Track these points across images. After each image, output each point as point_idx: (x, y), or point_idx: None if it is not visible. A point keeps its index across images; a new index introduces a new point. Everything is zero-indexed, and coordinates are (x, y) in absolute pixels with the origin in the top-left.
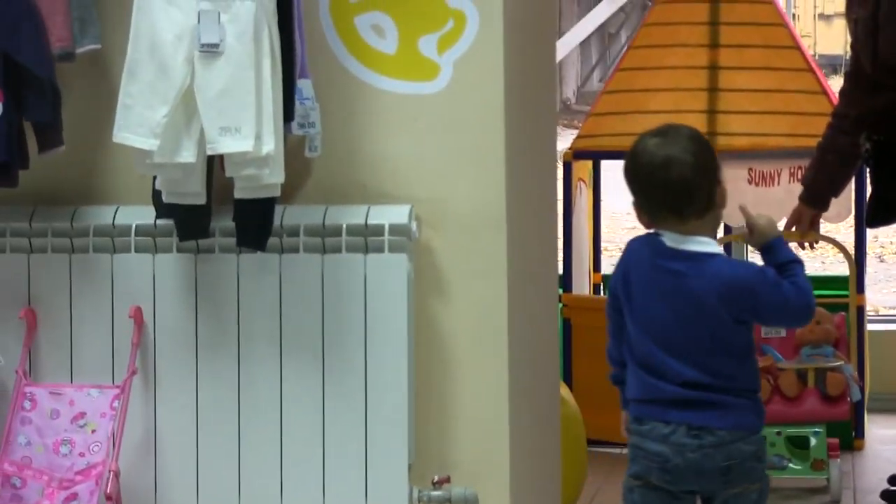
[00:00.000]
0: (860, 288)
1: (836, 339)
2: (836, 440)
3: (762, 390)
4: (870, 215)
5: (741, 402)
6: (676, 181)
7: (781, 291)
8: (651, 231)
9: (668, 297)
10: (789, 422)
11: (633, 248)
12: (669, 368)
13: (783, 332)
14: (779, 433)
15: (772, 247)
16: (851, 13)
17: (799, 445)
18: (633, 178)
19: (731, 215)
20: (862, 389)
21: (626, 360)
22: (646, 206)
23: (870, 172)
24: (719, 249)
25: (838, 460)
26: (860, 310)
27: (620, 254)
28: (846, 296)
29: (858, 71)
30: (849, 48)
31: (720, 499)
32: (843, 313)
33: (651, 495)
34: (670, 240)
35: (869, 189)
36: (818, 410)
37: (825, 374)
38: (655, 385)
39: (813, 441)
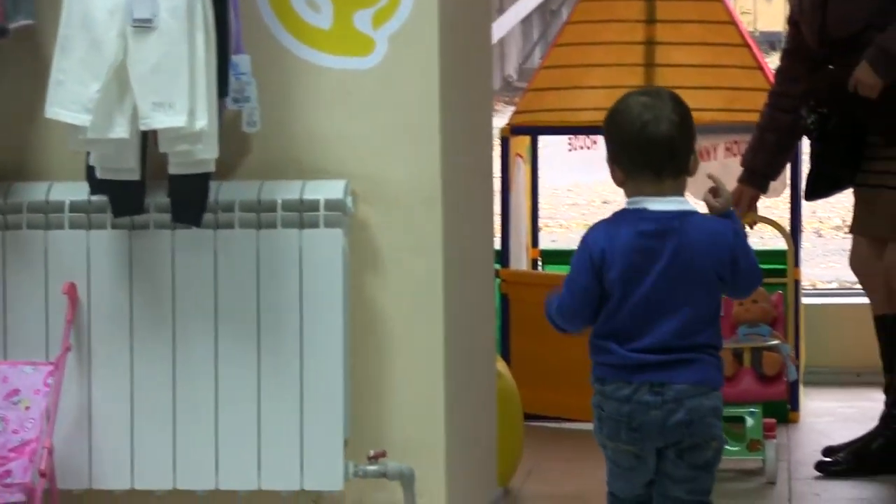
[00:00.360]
0: (796, 262)
1: (773, 318)
2: (772, 420)
3: None
4: (809, 189)
5: (704, 357)
6: (663, 138)
7: (750, 252)
8: (622, 209)
9: (662, 260)
10: (725, 402)
11: (608, 228)
12: (645, 332)
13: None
14: None
15: (731, 214)
16: None
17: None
18: (616, 134)
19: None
20: (797, 366)
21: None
22: (626, 163)
23: (811, 146)
24: (694, 207)
25: (774, 441)
26: (796, 284)
27: (587, 228)
28: (783, 269)
29: (798, 47)
30: (787, 24)
31: (676, 449)
32: (780, 292)
33: (627, 456)
34: (650, 203)
35: (807, 162)
36: (754, 390)
37: (761, 354)
38: (622, 353)
39: (749, 421)
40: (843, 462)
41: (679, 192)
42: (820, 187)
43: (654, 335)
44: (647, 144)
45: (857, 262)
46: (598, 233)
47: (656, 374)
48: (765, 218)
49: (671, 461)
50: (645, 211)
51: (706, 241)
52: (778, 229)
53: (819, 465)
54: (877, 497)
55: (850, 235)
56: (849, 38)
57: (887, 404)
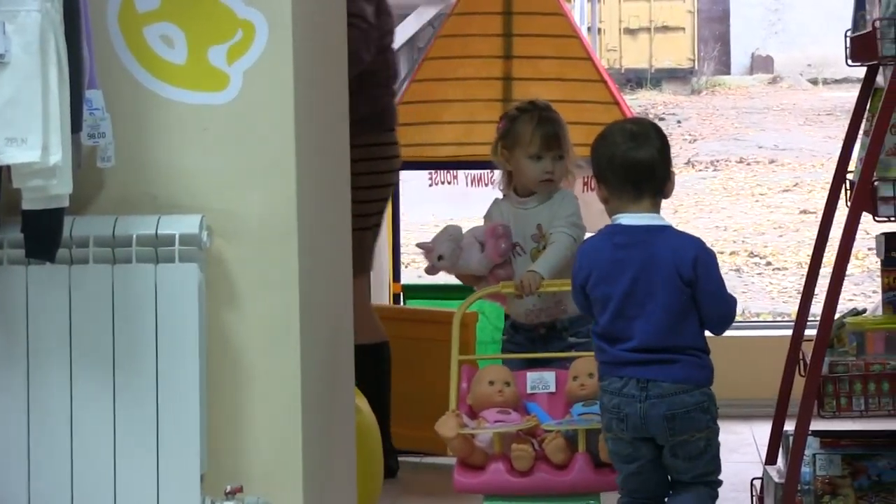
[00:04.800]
0: None
1: None
2: None
3: (524, 457)
4: None
5: (686, 358)
6: (646, 160)
7: (718, 276)
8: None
9: (630, 269)
10: (556, 493)
11: (593, 241)
12: (629, 335)
13: (552, 387)
14: None
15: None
16: None
17: None
18: (603, 154)
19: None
20: None
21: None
22: (611, 180)
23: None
24: (668, 223)
25: None
26: None
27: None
28: None
29: None
30: None
31: (669, 445)
32: None
33: (619, 443)
34: (625, 219)
35: None
36: (590, 479)
37: (598, 437)
38: (612, 352)
39: None
40: None
41: (655, 210)
42: None
43: (636, 336)
44: (631, 165)
45: None
46: (583, 248)
47: (641, 370)
48: None
49: (668, 457)
50: (619, 225)
51: (671, 250)
52: None
53: None
54: None
55: None
56: None
57: None
